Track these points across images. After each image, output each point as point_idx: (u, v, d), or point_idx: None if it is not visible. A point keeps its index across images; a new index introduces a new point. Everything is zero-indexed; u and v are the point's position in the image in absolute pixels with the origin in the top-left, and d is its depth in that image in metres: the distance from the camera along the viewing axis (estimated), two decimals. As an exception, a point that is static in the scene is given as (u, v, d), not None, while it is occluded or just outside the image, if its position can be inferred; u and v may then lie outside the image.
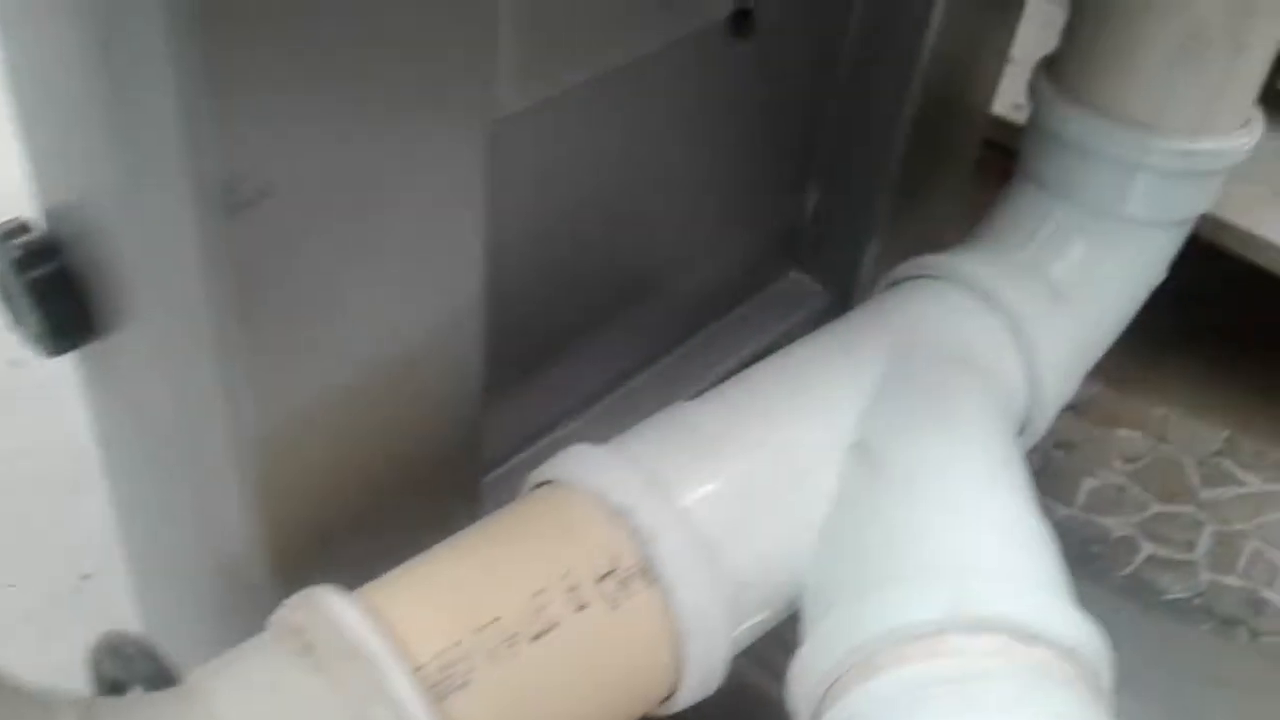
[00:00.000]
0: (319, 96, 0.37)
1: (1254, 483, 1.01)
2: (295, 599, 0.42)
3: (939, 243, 0.72)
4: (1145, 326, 1.11)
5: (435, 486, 0.56)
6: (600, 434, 0.54)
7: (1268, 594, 1.07)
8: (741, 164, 0.74)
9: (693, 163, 0.68)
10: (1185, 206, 0.64)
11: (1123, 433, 1.04)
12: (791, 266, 0.86)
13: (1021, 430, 0.63)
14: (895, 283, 0.66)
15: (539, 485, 0.51)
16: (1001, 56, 0.80)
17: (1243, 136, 0.62)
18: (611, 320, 0.70)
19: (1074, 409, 1.05)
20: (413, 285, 0.46)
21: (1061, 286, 0.64)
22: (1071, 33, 0.63)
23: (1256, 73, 0.61)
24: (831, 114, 0.77)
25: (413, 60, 0.39)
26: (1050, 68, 0.64)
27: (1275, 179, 0.94)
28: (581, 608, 0.43)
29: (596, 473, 0.48)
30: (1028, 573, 0.47)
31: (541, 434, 0.70)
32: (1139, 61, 0.59)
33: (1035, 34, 0.79)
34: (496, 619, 0.42)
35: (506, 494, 0.53)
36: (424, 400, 0.52)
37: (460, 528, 0.48)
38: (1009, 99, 0.87)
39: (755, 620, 0.50)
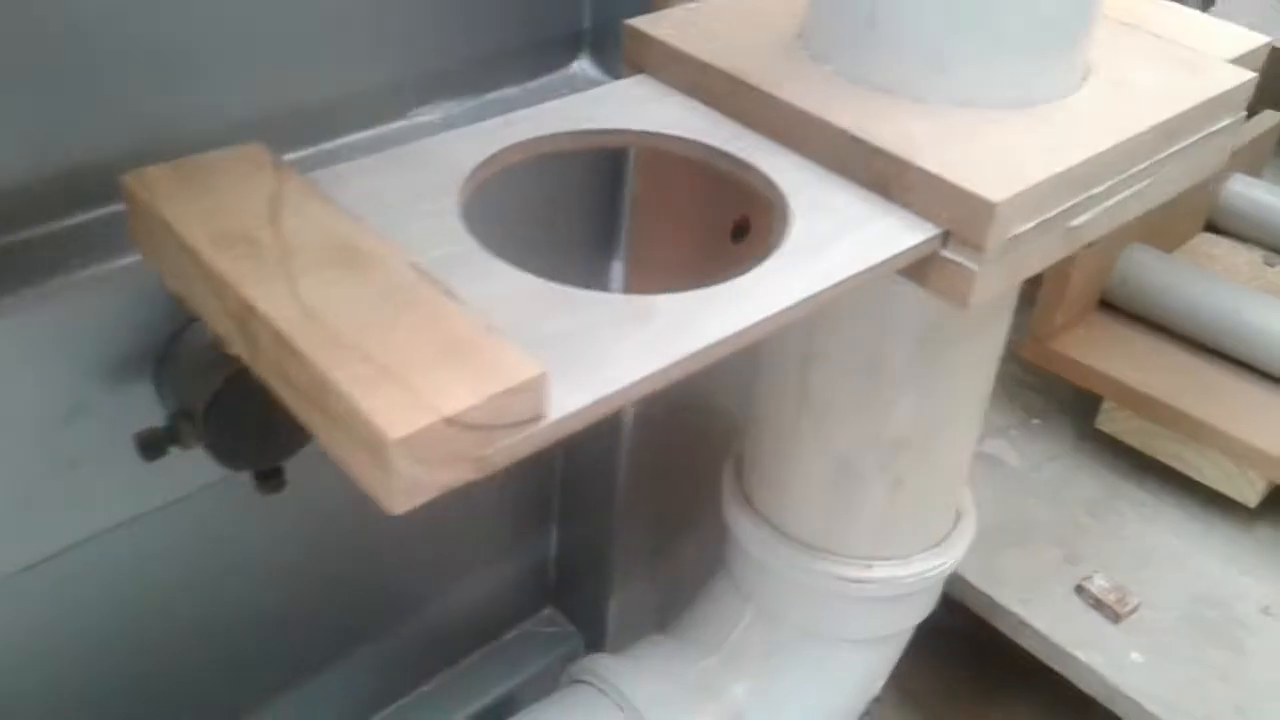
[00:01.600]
0: None
1: None
2: None
3: (713, 562, 0.65)
4: (971, 671, 1.02)
5: None
6: None
7: None
8: (469, 507, 0.69)
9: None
10: (881, 626, 0.57)
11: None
12: (544, 603, 0.80)
13: None
14: (572, 681, 0.60)
15: None
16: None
17: (934, 558, 0.55)
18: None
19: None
20: None
21: (745, 708, 0.57)
22: (747, 437, 0.57)
23: (932, 501, 0.55)
24: (558, 456, 0.72)
25: None
26: (736, 467, 0.59)
27: (1071, 541, 0.81)
28: None
29: None
30: None
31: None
32: (799, 486, 0.53)
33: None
34: None
35: None
36: None
37: None
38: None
39: None
